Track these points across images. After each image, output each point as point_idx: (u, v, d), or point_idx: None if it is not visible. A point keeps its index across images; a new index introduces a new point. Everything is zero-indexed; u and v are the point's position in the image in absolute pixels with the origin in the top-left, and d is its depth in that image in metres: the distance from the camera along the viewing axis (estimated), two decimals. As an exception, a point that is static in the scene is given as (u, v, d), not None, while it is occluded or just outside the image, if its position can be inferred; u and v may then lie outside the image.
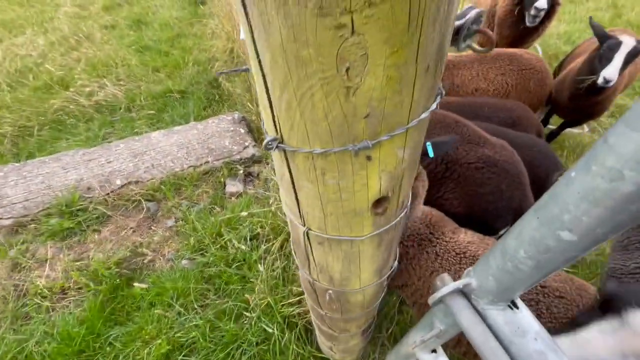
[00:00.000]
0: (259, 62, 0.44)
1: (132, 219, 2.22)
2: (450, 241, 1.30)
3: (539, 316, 1.09)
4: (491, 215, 1.53)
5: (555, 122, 3.00)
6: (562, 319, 1.08)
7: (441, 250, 1.29)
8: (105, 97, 3.73)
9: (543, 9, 2.49)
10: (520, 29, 2.90)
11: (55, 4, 6.18)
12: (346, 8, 0.33)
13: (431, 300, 0.66)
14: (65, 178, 2.26)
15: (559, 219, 0.38)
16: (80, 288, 1.87)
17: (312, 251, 0.76)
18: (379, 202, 0.61)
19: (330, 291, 0.89)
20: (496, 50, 2.53)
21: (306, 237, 0.71)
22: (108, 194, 2.25)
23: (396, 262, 0.95)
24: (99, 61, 4.37)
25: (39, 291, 1.81)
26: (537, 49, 3.62)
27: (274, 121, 0.50)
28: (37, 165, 2.36)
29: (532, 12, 2.54)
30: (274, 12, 0.36)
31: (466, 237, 1.32)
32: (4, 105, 3.63)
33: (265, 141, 0.53)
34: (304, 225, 0.68)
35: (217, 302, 1.79)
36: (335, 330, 1.19)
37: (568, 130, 2.94)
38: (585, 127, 3.08)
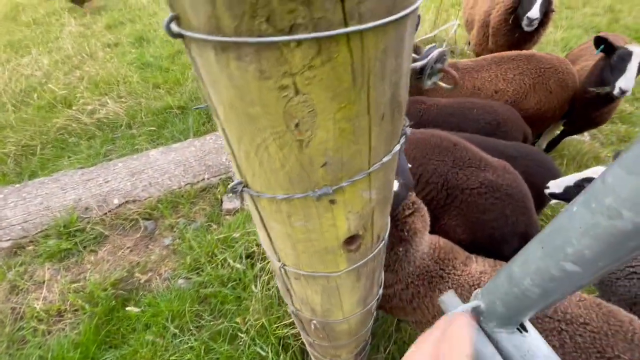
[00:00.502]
0: (217, 114, 0.44)
1: (129, 238, 2.23)
2: (462, 274, 1.26)
3: (562, 346, 1.04)
4: (496, 242, 1.49)
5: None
6: (588, 349, 1.01)
7: (454, 286, 1.25)
8: (107, 115, 3.79)
9: (536, 19, 2.49)
10: (515, 37, 2.91)
11: (60, 24, 6.36)
12: (286, 72, 0.33)
13: None
14: (63, 198, 2.29)
15: (562, 251, 0.39)
16: (76, 310, 1.87)
17: (291, 285, 0.76)
18: (352, 240, 0.60)
19: (314, 321, 0.88)
20: (515, 51, 2.53)
21: (283, 272, 0.71)
22: (106, 213, 2.27)
23: (381, 290, 0.93)
24: (101, 79, 4.46)
25: (36, 314, 1.82)
26: (534, 56, 3.61)
27: (238, 167, 0.50)
28: (37, 186, 2.39)
29: (525, 22, 2.54)
30: (219, 73, 0.36)
31: (478, 266, 1.28)
32: (8, 125, 3.71)
33: (230, 185, 0.53)
34: (279, 262, 0.68)
35: (212, 323, 1.78)
36: (326, 356, 1.17)
37: (568, 137, 2.91)
38: (586, 135, 3.05)
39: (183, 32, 0.34)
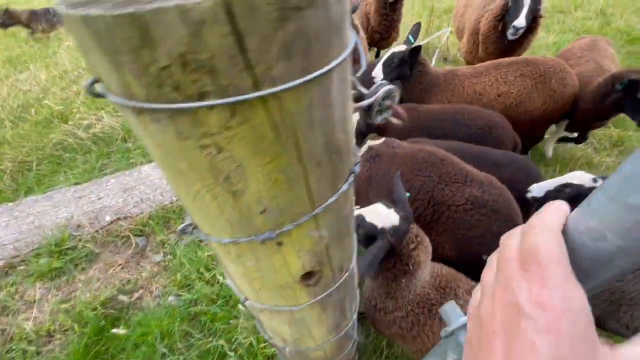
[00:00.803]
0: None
1: (121, 255, 2.23)
2: (465, 304, 1.24)
3: None
4: (484, 260, 1.46)
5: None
6: None
7: None
8: (103, 129, 3.82)
9: (522, 28, 2.49)
10: (505, 44, 2.91)
11: (58, 39, 6.44)
12: (204, 132, 0.33)
13: (443, 333, 0.65)
14: (55, 216, 2.30)
15: None
16: (66, 330, 1.87)
17: (259, 316, 0.75)
18: (309, 275, 0.60)
19: (288, 348, 0.87)
20: (512, 57, 2.55)
21: (249, 305, 0.70)
22: (97, 230, 2.27)
23: (355, 315, 0.92)
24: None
25: (25, 335, 1.81)
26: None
27: (186, 209, 0.50)
28: (29, 205, 2.41)
29: (511, 30, 2.55)
30: (142, 132, 0.36)
31: None
32: (5, 141, 3.74)
33: (180, 227, 0.52)
34: (243, 295, 0.67)
35: (201, 341, 1.76)
36: (308, 378, 1.16)
37: (562, 142, 2.89)
38: (579, 139, 3.02)
39: (103, 93, 0.35)
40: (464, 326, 0.60)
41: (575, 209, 0.32)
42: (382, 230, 1.17)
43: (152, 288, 2.09)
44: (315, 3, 0.30)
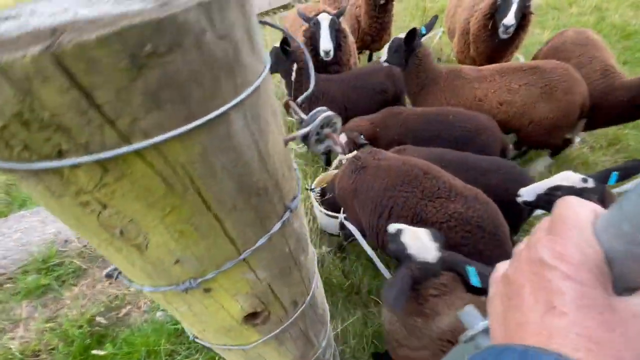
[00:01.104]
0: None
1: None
2: None
3: None
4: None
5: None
6: None
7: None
8: (95, 141, 3.79)
9: (511, 25, 2.44)
10: (495, 43, 2.85)
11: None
12: (79, 190, 0.30)
13: (463, 338, 0.61)
14: (43, 232, 2.28)
15: None
16: (53, 349, 1.84)
17: (213, 349, 0.71)
18: (254, 316, 0.56)
19: (254, 380, 0.83)
20: (519, 62, 2.47)
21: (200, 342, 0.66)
22: (85, 245, 2.25)
23: (326, 341, 0.88)
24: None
25: (10, 356, 1.79)
26: (519, 59, 3.55)
27: (107, 254, 0.47)
28: (17, 220, 2.39)
29: (501, 29, 2.50)
30: (20, 185, 0.32)
31: None
32: (-1, 155, 3.72)
33: (106, 271, 0.49)
34: (190, 333, 0.64)
35: (187, 359, 1.73)
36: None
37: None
38: (577, 139, 2.95)
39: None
40: (485, 331, 0.56)
41: (605, 212, 0.31)
42: (408, 256, 1.05)
43: (140, 303, 2.06)
44: (181, 46, 0.26)
